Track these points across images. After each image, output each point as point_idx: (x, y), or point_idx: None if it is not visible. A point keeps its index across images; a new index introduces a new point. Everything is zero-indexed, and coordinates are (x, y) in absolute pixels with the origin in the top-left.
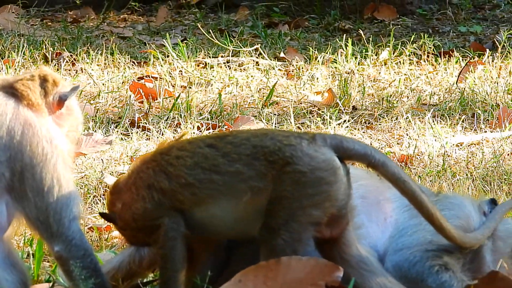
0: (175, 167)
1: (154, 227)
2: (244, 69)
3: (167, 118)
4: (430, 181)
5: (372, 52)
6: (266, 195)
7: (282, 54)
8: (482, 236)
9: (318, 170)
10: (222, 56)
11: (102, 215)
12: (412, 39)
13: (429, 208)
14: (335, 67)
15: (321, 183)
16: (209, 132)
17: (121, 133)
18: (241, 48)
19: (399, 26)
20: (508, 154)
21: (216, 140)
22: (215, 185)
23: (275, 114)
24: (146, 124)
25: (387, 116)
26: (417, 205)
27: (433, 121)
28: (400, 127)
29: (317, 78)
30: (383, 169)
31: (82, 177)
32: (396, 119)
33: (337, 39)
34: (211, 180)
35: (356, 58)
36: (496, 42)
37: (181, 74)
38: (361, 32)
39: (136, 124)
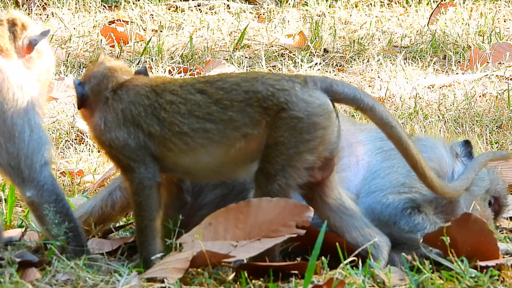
0: (168, 113)
1: (127, 165)
2: (215, 13)
3: (139, 62)
4: (402, 123)
5: None
6: (259, 141)
7: None
8: (461, 188)
9: (314, 115)
10: (193, 0)
11: (76, 84)
12: None
13: (414, 155)
14: (306, 10)
15: (316, 128)
16: (181, 76)
17: None
18: None
19: None
20: (479, 96)
21: (206, 85)
22: (209, 134)
23: (247, 57)
24: None
25: (358, 58)
26: (402, 151)
27: (405, 63)
28: (372, 70)
29: (288, 21)
30: (372, 113)
31: (54, 122)
32: (368, 61)
33: None
34: (205, 129)
35: (327, 0)
36: None
37: (152, 17)
38: None
39: None
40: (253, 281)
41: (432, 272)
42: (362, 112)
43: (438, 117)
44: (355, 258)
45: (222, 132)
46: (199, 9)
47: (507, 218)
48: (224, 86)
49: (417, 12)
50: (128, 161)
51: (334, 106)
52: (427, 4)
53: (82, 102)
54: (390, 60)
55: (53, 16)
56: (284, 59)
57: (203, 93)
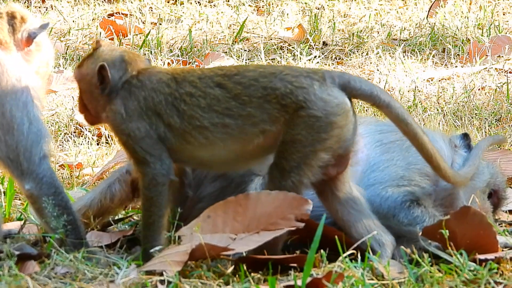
0: (189, 105)
1: (142, 158)
2: (214, 5)
3: None
4: None
5: None
6: (276, 137)
7: None
8: (469, 174)
9: (332, 114)
10: None
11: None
12: None
13: (429, 149)
14: (305, 3)
15: (333, 127)
16: None
17: None
18: None
19: None
20: (478, 89)
21: (224, 78)
22: (228, 129)
23: (246, 50)
24: None
25: (357, 51)
26: (418, 146)
27: (404, 56)
28: (371, 63)
29: (287, 14)
30: (388, 110)
31: (53, 115)
32: (367, 54)
33: None
34: (224, 124)
35: None
36: None
37: (151, 10)
38: None
39: None
40: (252, 274)
41: (431, 265)
42: (378, 109)
43: (437, 110)
44: (354, 251)
45: (240, 128)
46: (198, 2)
47: (506, 211)
48: (242, 81)
49: (416, 5)
50: (144, 154)
51: (351, 103)
52: None
53: (106, 88)
54: (389, 53)
55: (52, 9)
56: (283, 52)
57: (221, 87)
